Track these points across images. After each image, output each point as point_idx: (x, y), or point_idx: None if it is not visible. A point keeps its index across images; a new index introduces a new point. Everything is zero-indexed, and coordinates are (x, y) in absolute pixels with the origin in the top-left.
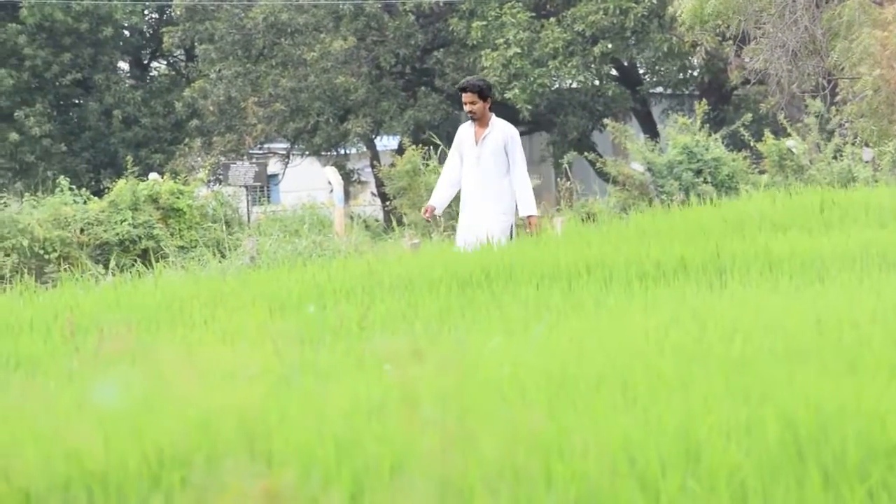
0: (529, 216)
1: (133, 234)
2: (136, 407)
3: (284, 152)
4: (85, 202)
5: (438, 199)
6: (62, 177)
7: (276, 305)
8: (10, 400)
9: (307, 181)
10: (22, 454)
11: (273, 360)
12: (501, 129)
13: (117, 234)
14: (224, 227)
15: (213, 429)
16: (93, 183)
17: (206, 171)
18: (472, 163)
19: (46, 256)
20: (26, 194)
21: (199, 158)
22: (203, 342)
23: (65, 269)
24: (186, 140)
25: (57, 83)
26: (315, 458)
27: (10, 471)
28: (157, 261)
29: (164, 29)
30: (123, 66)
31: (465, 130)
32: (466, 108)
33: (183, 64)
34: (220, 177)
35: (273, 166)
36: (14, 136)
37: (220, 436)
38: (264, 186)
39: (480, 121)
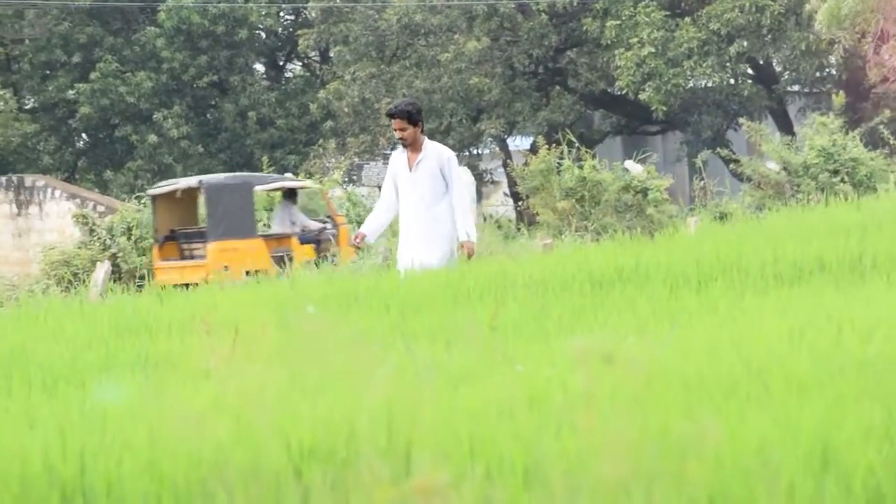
0: (465, 242)
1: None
2: (273, 404)
3: None
4: None
5: (371, 227)
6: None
7: (408, 306)
8: (150, 398)
9: None
10: (166, 450)
11: (406, 360)
12: (437, 153)
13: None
14: (356, 228)
15: (349, 426)
16: None
17: (341, 172)
18: (407, 190)
19: None
20: None
21: (334, 159)
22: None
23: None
24: (321, 141)
25: (194, 85)
26: (449, 456)
27: (157, 467)
28: (291, 261)
29: (299, 31)
30: (259, 68)
31: (398, 157)
32: (397, 134)
33: (318, 65)
34: (354, 177)
35: None
36: (153, 137)
37: (356, 433)
38: None
39: (413, 146)
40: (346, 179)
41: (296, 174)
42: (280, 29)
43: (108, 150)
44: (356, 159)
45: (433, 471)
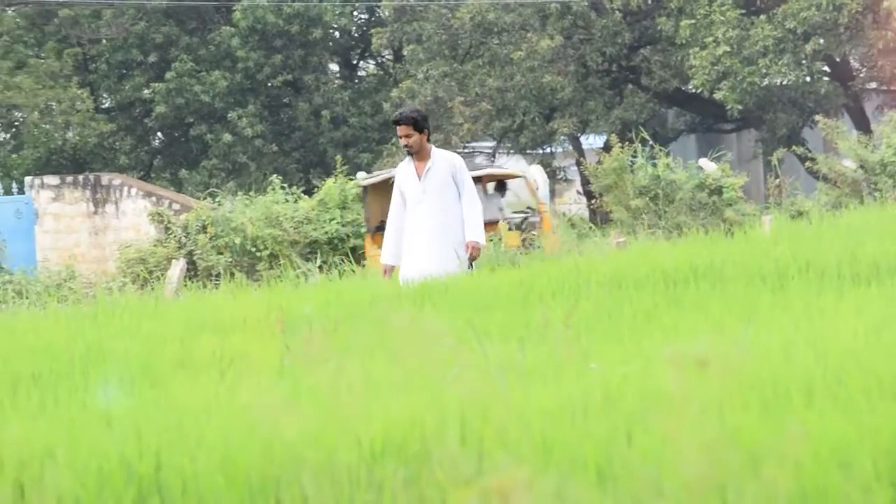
0: (470, 241)
1: (341, 233)
2: (347, 401)
3: (490, 151)
4: (295, 201)
5: (391, 256)
6: (274, 176)
7: (481, 304)
8: (225, 395)
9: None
10: (241, 448)
11: (479, 359)
12: (446, 160)
13: (326, 232)
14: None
15: (423, 424)
16: (302, 182)
17: None
18: (416, 199)
19: (258, 254)
20: (239, 193)
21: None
22: (409, 339)
23: (275, 267)
24: (393, 139)
25: (268, 84)
26: (523, 454)
27: (231, 464)
28: (364, 258)
29: (372, 30)
30: (333, 66)
31: (405, 167)
32: (402, 142)
33: (391, 64)
34: None
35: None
36: (227, 136)
37: (430, 431)
38: None
39: (419, 154)
40: None
41: (369, 173)
42: (354, 28)
43: (183, 149)
44: None
45: (510, 470)
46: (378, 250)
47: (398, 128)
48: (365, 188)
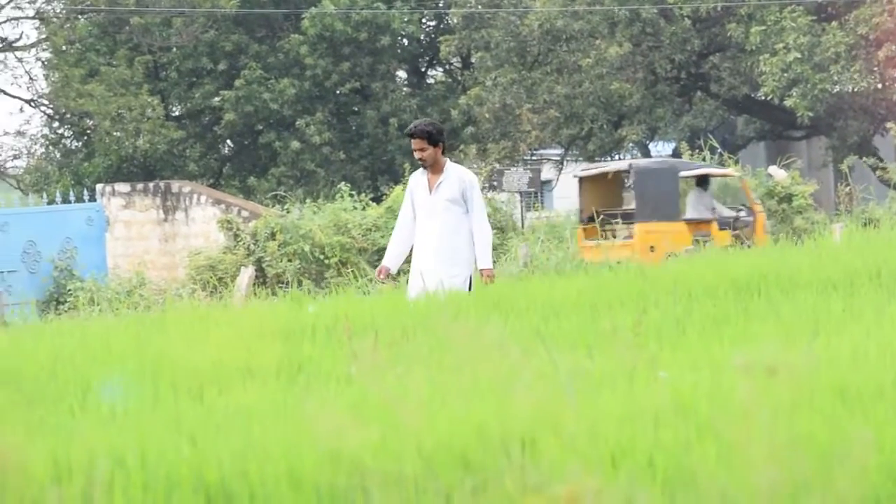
0: (484, 269)
1: None
2: (415, 409)
3: (558, 158)
4: (363, 208)
5: (392, 259)
6: (342, 183)
7: (549, 311)
8: (292, 403)
9: None
10: (308, 456)
11: (547, 366)
12: (458, 176)
13: None
14: (498, 233)
15: (491, 432)
16: (370, 189)
17: (481, 178)
18: (425, 213)
19: (326, 261)
20: (307, 201)
21: (474, 165)
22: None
23: (343, 274)
24: (462, 147)
25: (336, 92)
26: (592, 462)
27: (298, 472)
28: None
29: (441, 37)
30: (401, 74)
31: (417, 178)
32: (416, 154)
33: (459, 71)
34: (495, 183)
35: (547, 172)
36: (295, 144)
37: (498, 439)
38: (538, 192)
39: (433, 167)
40: (487, 185)
41: None
42: (422, 35)
43: (252, 157)
44: (497, 165)
45: (578, 478)
46: (587, 242)
47: (412, 141)
48: (580, 179)
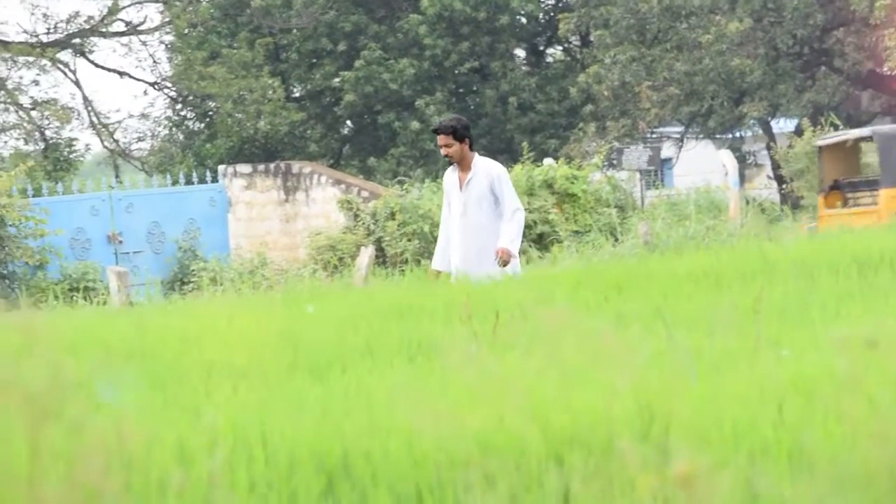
0: (501, 247)
1: (528, 219)
2: (533, 390)
3: (678, 136)
4: None
5: (441, 262)
6: None
7: (669, 290)
8: (408, 382)
9: (701, 165)
10: (428, 436)
11: (666, 345)
12: (485, 171)
13: None
14: (617, 212)
15: (609, 413)
16: None
17: (601, 156)
18: (458, 211)
19: None
20: (427, 180)
21: (594, 143)
22: (596, 326)
23: None
24: (581, 125)
25: (455, 72)
26: (709, 443)
27: (418, 453)
28: (552, 245)
29: (559, 15)
30: (519, 53)
31: (450, 176)
32: (442, 151)
33: (578, 49)
34: (614, 161)
35: (667, 150)
36: (415, 124)
37: (616, 420)
38: (658, 170)
39: (461, 164)
40: (606, 163)
41: (555, 158)
42: (541, 14)
43: (372, 137)
44: (616, 143)
45: (694, 458)
46: (828, 210)
47: (438, 137)
48: (819, 148)
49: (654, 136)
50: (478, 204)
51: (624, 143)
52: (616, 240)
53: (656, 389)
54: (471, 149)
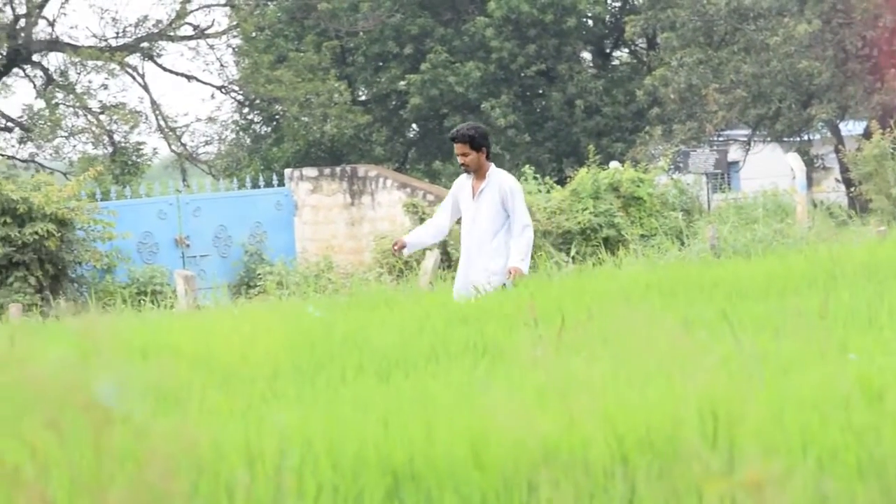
0: (512, 266)
1: (594, 223)
2: (599, 394)
3: (745, 139)
4: (548, 191)
5: (413, 238)
6: (527, 166)
7: (735, 294)
8: (478, 386)
9: (769, 168)
10: (494, 439)
11: (733, 349)
12: (499, 183)
13: (579, 222)
14: (684, 215)
15: (676, 417)
16: (555, 172)
17: (667, 159)
18: (468, 219)
19: None
20: None
21: (660, 146)
22: (663, 330)
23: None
24: (647, 128)
25: (521, 74)
26: (777, 446)
27: (484, 455)
28: (617, 249)
29: (626, 18)
30: (586, 55)
31: (463, 182)
32: (459, 160)
33: (644, 52)
34: (681, 164)
35: (734, 153)
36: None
37: (683, 424)
38: (725, 174)
39: (477, 173)
40: (673, 167)
41: (621, 162)
42: (607, 16)
43: (438, 140)
44: (682, 146)
45: (763, 462)
46: None
47: (455, 145)
48: None
49: (720, 139)
50: (487, 214)
51: (690, 146)
52: (682, 244)
53: (723, 393)
54: (488, 158)
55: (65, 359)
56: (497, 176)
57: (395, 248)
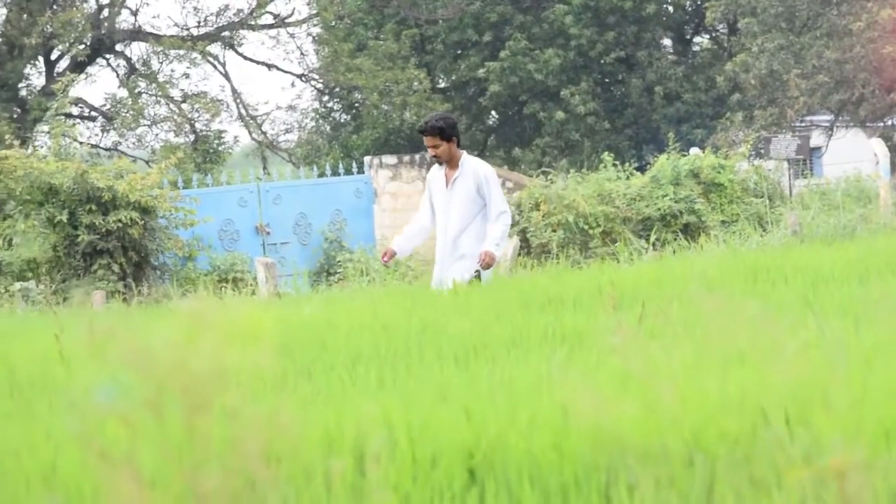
0: (485, 251)
1: (674, 209)
2: (679, 381)
3: (827, 125)
4: (627, 178)
5: (400, 245)
6: (606, 153)
7: (819, 280)
8: (556, 374)
9: (851, 154)
10: (574, 427)
11: (816, 336)
12: (473, 170)
13: (659, 208)
14: (765, 201)
15: (757, 404)
16: (635, 159)
17: (748, 146)
18: (442, 209)
19: (591, 231)
20: (572, 171)
21: (741, 133)
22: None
23: (608, 244)
24: (727, 114)
25: (601, 61)
26: (862, 435)
27: (564, 443)
28: (698, 235)
29: (706, 3)
30: (666, 42)
31: (436, 173)
32: (430, 152)
33: (725, 38)
34: (762, 150)
35: (816, 139)
36: (560, 114)
37: (764, 411)
38: (807, 159)
39: (449, 163)
40: (754, 153)
41: (702, 148)
42: (687, 2)
43: (517, 128)
44: (763, 132)
45: (845, 451)
46: None
47: (424, 138)
48: None
49: (802, 124)
50: (463, 203)
51: (771, 132)
52: (764, 230)
53: (806, 380)
54: (458, 146)
55: (167, 341)
56: (470, 164)
57: (385, 258)
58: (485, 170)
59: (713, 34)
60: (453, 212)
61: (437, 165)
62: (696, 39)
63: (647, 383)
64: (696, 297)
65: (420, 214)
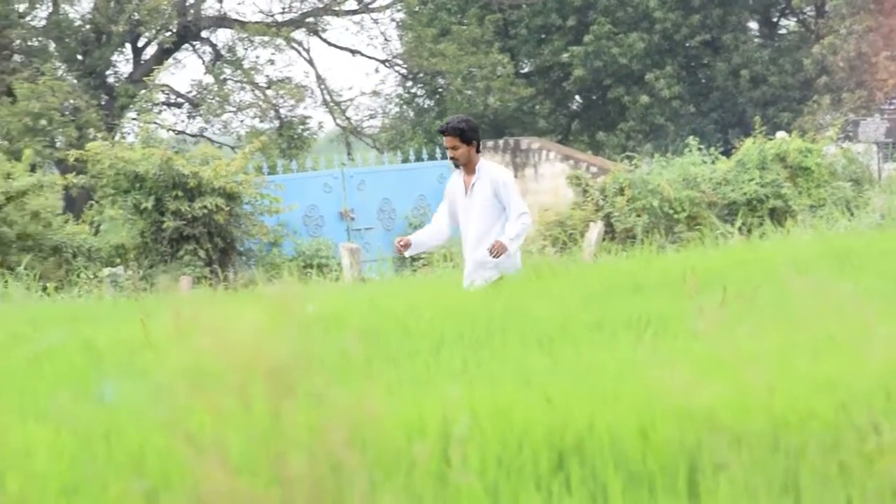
0: (499, 240)
1: (760, 193)
2: (764, 366)
3: None
4: (713, 162)
5: (417, 239)
6: (691, 137)
7: None
8: (642, 358)
9: None
10: (656, 412)
11: None
12: (490, 176)
13: (745, 193)
14: (853, 185)
15: (845, 390)
16: (720, 143)
17: (835, 129)
18: (463, 215)
19: (675, 216)
20: (656, 155)
21: (828, 116)
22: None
23: (693, 228)
24: (815, 97)
25: (686, 45)
26: None
27: (648, 428)
28: (784, 220)
29: None
30: (752, 25)
31: (455, 180)
32: (448, 153)
33: (812, 20)
34: (850, 134)
35: None
36: (644, 98)
37: (853, 395)
38: None
39: (466, 167)
40: (842, 136)
41: (788, 132)
42: None
43: (601, 112)
44: (851, 115)
45: None
46: None
47: (444, 139)
48: None
49: (891, 107)
50: (483, 208)
51: (860, 115)
52: (852, 214)
53: (892, 367)
54: (477, 151)
55: (255, 327)
56: (487, 169)
57: (400, 244)
58: (502, 175)
59: (800, 17)
60: (473, 218)
61: (455, 174)
62: (783, 22)
63: (734, 367)
64: (784, 282)
65: (438, 219)
